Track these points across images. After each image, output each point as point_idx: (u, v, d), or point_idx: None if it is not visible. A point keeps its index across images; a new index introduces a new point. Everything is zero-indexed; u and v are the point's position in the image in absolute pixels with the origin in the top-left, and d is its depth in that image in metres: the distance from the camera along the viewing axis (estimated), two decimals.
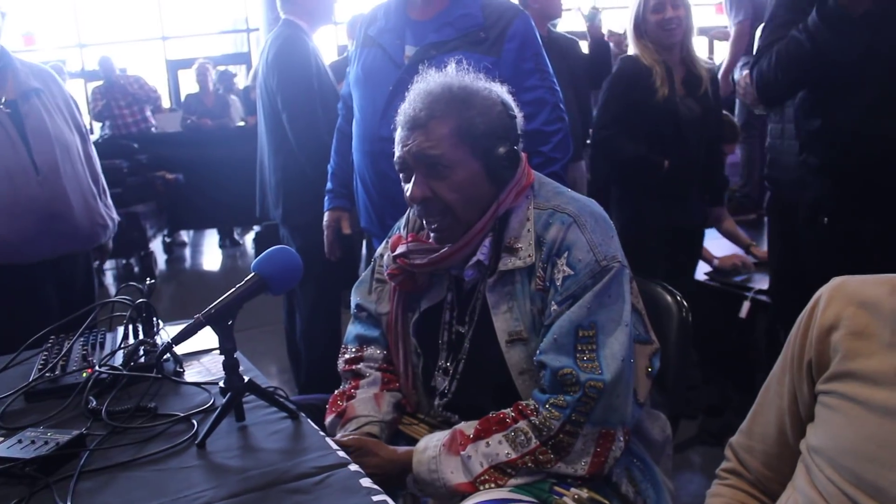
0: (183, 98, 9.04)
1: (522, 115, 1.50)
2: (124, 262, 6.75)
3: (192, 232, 8.04)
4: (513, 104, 1.48)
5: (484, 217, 1.43)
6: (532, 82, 2.12)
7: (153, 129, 7.85)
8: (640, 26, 2.80)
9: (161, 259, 7.06)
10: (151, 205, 6.46)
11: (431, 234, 1.47)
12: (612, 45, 4.31)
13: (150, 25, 12.17)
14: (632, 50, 2.87)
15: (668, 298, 1.69)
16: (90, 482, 1.16)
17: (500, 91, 1.47)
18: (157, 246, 6.82)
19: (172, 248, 7.66)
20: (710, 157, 2.91)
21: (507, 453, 1.33)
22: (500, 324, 1.43)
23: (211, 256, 7.60)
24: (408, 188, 1.44)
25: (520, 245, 1.42)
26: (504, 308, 1.43)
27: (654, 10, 2.76)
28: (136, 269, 6.43)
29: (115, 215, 2.77)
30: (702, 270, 3.19)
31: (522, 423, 1.35)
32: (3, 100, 2.38)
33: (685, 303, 1.68)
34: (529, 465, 1.33)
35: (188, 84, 10.00)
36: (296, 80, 2.88)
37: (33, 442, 1.23)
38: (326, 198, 2.55)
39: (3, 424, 1.39)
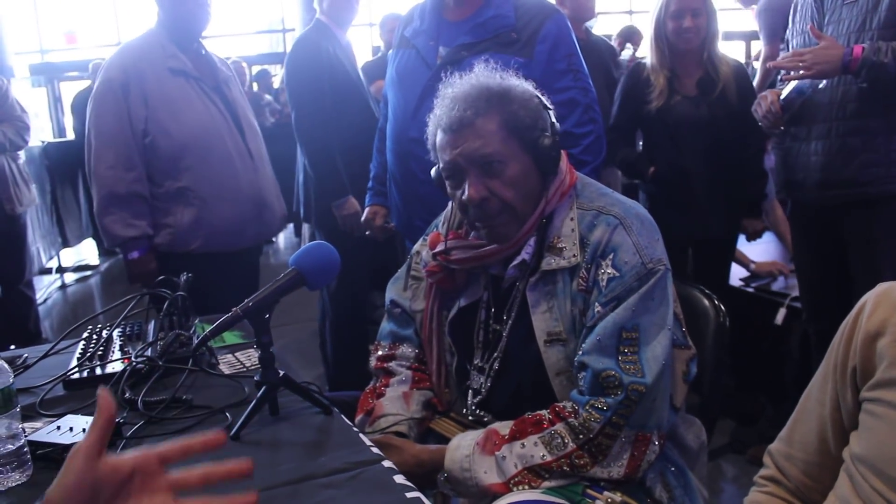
0: None
1: (556, 116, 1.50)
2: None
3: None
4: (545, 98, 1.47)
5: (534, 214, 1.42)
6: (564, 83, 2.11)
7: None
8: (659, 29, 2.80)
9: None
10: None
11: (483, 233, 1.46)
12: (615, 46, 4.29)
13: None
14: (647, 52, 2.91)
15: (706, 303, 1.67)
16: None
17: (530, 85, 1.47)
18: None
19: None
20: (737, 165, 2.84)
21: (543, 455, 1.32)
22: (539, 323, 1.42)
23: None
24: (461, 192, 1.42)
25: (564, 245, 1.41)
26: (544, 307, 1.42)
27: (674, 16, 2.76)
28: None
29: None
30: (737, 276, 3.14)
31: (560, 426, 1.33)
32: (211, 85, 2.42)
33: (723, 307, 1.66)
34: (565, 468, 1.32)
35: None
36: (302, 80, 2.95)
37: (71, 429, 1.26)
38: (367, 195, 2.57)
39: (42, 411, 1.42)
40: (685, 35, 2.74)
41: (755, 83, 4.49)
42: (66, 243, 6.74)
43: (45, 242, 6.12)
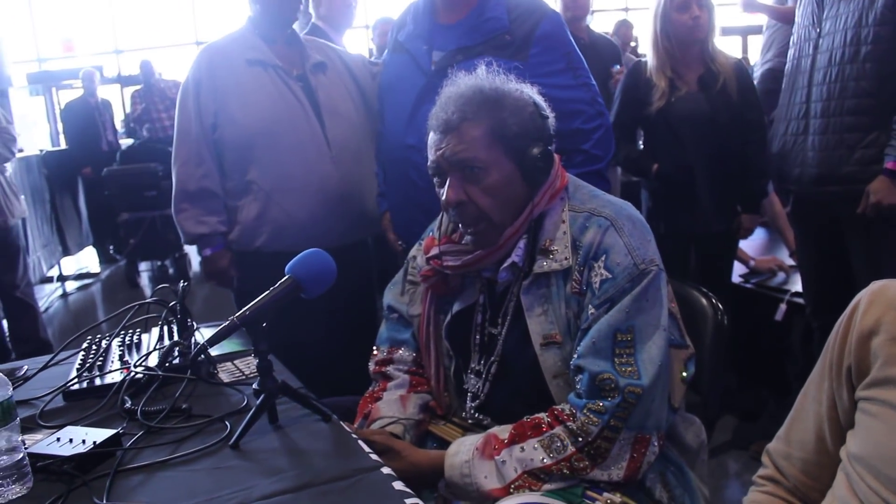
0: None
1: (558, 116, 1.49)
2: (159, 263, 6.84)
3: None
4: (545, 105, 1.47)
5: (518, 219, 1.42)
6: (565, 81, 2.09)
7: None
8: (662, 25, 2.79)
9: (195, 261, 7.13)
10: None
11: (467, 237, 1.47)
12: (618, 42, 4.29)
13: (184, 31, 12.34)
14: (648, 53, 2.90)
15: (704, 301, 1.67)
16: (126, 481, 1.18)
17: (532, 92, 1.47)
18: (191, 248, 6.88)
19: None
20: (739, 161, 2.84)
21: (543, 459, 1.32)
22: (535, 326, 1.42)
23: None
24: (442, 192, 1.44)
25: (555, 248, 1.41)
26: (539, 310, 1.42)
27: (679, 9, 2.75)
28: (170, 271, 6.51)
29: None
30: (737, 272, 3.14)
31: (559, 429, 1.34)
32: (293, 73, 2.34)
33: (721, 306, 1.66)
34: (564, 471, 1.32)
35: None
36: None
37: (71, 440, 1.26)
38: (377, 202, 2.49)
39: (42, 422, 1.42)
40: (694, 25, 2.74)
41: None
42: (66, 252, 6.75)
43: (45, 251, 6.13)
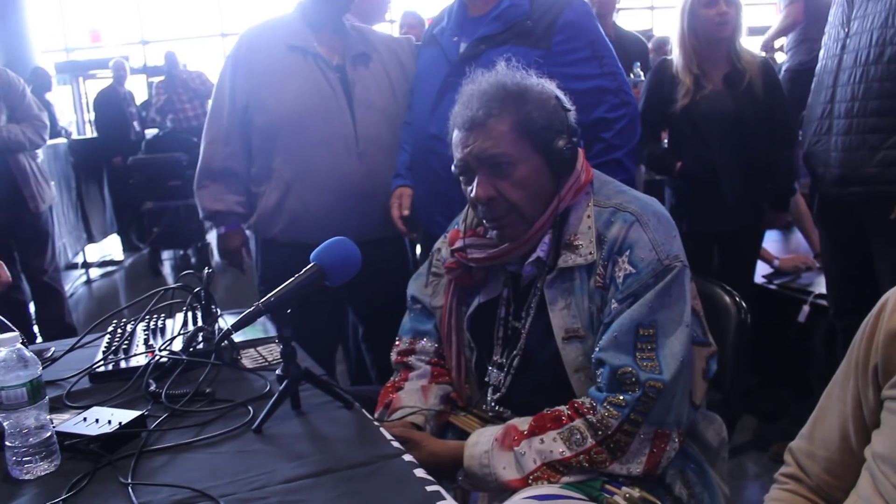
0: None
1: (582, 106, 1.49)
2: (182, 252, 6.89)
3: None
4: (566, 98, 1.47)
5: (545, 214, 1.42)
6: (590, 70, 2.08)
7: None
8: (688, 22, 2.77)
9: (217, 251, 7.19)
10: None
11: (493, 232, 1.47)
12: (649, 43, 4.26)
13: (210, 22, 12.42)
14: (674, 50, 2.88)
15: (727, 299, 1.66)
16: (150, 461, 1.20)
17: (552, 86, 1.47)
18: (213, 237, 6.93)
19: None
20: (764, 160, 2.82)
21: (562, 451, 1.33)
22: (558, 320, 1.43)
23: None
24: (470, 189, 1.44)
25: (580, 242, 1.41)
26: (562, 304, 1.42)
27: (706, 5, 2.73)
28: (192, 260, 6.56)
29: None
30: (760, 272, 3.12)
31: (578, 422, 1.34)
32: (333, 63, 2.32)
33: (744, 304, 1.65)
34: (584, 463, 1.32)
35: None
36: None
37: (97, 420, 1.28)
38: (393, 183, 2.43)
39: (69, 403, 1.44)
40: (721, 21, 2.71)
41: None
42: (91, 239, 6.83)
43: (70, 238, 6.20)
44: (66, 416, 1.33)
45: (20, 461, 1.17)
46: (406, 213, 2.26)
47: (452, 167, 1.47)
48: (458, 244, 1.53)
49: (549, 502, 1.28)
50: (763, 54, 3.10)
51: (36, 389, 1.17)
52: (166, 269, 6.63)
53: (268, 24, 2.38)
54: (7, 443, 1.17)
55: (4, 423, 1.18)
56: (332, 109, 2.26)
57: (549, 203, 1.43)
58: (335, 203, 2.27)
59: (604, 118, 2.08)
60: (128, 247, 7.52)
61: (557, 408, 1.38)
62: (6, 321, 1.48)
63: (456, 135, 1.45)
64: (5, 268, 1.64)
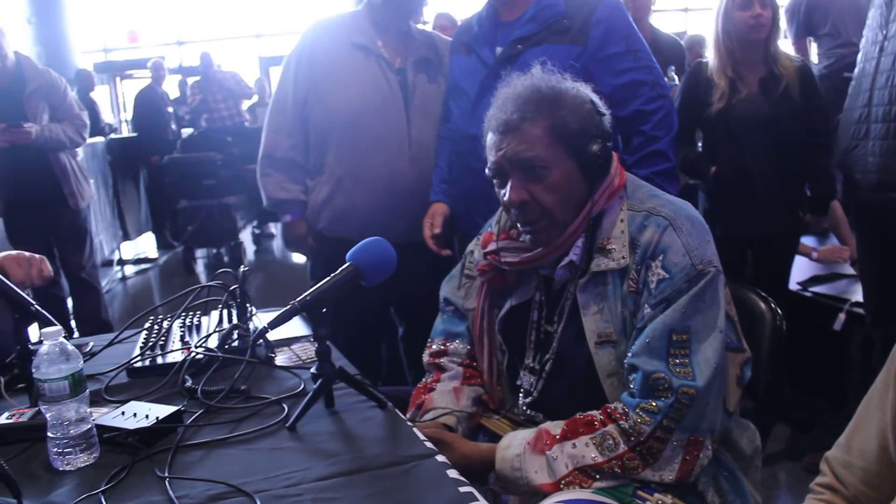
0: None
1: (618, 100, 1.48)
2: (214, 251, 6.96)
3: (280, 224, 8.20)
4: (601, 102, 1.47)
5: (578, 218, 1.42)
6: (625, 65, 2.08)
7: (246, 123, 8.08)
8: (724, 24, 2.75)
9: (250, 250, 7.27)
10: (242, 197, 6.65)
11: (526, 237, 1.47)
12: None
13: (244, 24, 12.56)
14: (709, 53, 2.86)
15: (762, 305, 1.64)
16: (186, 456, 1.21)
17: (587, 90, 1.47)
18: (246, 237, 7.02)
19: (261, 240, 7.86)
20: (801, 164, 2.78)
21: (594, 456, 1.32)
22: (590, 324, 1.42)
23: None
24: (504, 192, 1.44)
25: (613, 246, 1.41)
26: (594, 309, 1.42)
27: (741, 7, 2.71)
28: (225, 259, 6.63)
29: None
30: (795, 279, 3.08)
31: (611, 427, 1.33)
32: (395, 65, 2.35)
33: (780, 311, 1.63)
34: (616, 469, 1.31)
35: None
36: None
37: (135, 414, 1.30)
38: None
39: (107, 397, 1.47)
40: (755, 24, 2.69)
41: None
42: (126, 236, 6.94)
43: (106, 235, 6.30)
44: (104, 409, 1.35)
45: (61, 452, 1.19)
46: (437, 231, 2.29)
47: (486, 170, 1.48)
48: (491, 247, 1.53)
49: None
50: (800, 57, 3.05)
51: (77, 383, 1.20)
52: (199, 267, 6.71)
53: (334, 20, 2.42)
54: (49, 434, 1.20)
55: (47, 415, 1.20)
56: (389, 111, 2.29)
57: (581, 207, 1.43)
58: (383, 204, 2.31)
59: (641, 111, 2.08)
60: (162, 245, 7.62)
61: (590, 413, 1.38)
62: (49, 316, 1.51)
63: (490, 137, 1.45)
64: (48, 262, 1.68)
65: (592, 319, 1.42)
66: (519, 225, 1.47)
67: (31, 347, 1.51)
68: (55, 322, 1.42)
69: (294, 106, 2.36)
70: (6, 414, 1.35)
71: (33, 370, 1.20)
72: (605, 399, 1.41)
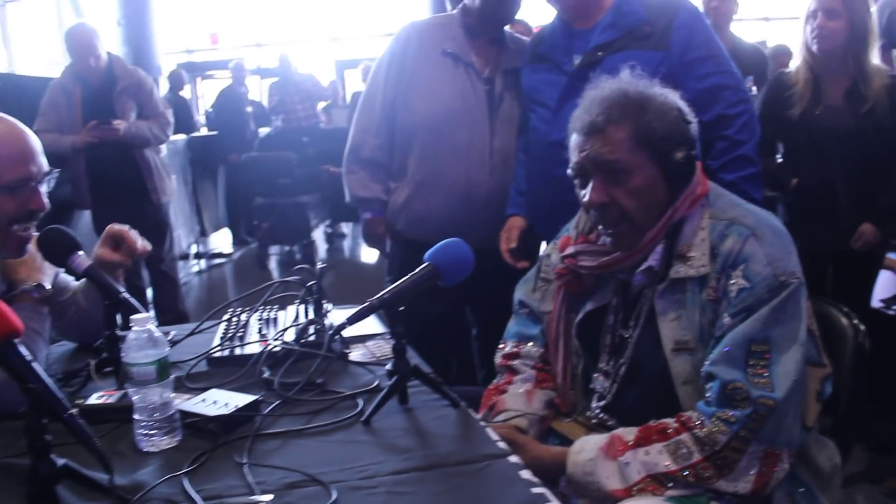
0: (349, 97, 9.46)
1: (701, 105, 1.47)
2: (287, 249, 7.11)
3: (352, 224, 8.32)
4: (688, 110, 1.45)
5: (658, 223, 1.41)
6: (707, 69, 2.06)
7: (321, 124, 8.23)
8: (804, 34, 2.70)
9: (322, 248, 7.39)
10: (316, 196, 6.78)
11: (606, 239, 1.47)
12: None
13: (320, 27, 12.80)
14: (794, 62, 2.80)
15: (844, 321, 1.59)
16: (263, 444, 1.25)
17: (675, 97, 1.46)
18: (318, 235, 7.14)
19: (333, 239, 7.99)
20: (887, 180, 2.68)
21: (667, 464, 1.31)
22: (667, 331, 1.41)
23: (367, 249, 7.85)
24: (584, 194, 1.44)
25: (693, 254, 1.39)
26: (672, 316, 1.41)
27: (809, 17, 2.66)
28: (297, 257, 6.76)
29: None
30: (878, 296, 2.98)
31: (685, 436, 1.31)
32: (484, 74, 2.35)
33: (862, 327, 1.58)
34: (689, 478, 1.30)
35: (355, 83, 10.41)
36: None
37: (215, 402, 1.35)
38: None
39: (188, 384, 1.52)
40: (819, 35, 2.63)
41: None
42: (203, 232, 7.14)
43: (184, 230, 6.49)
44: (185, 396, 1.40)
45: (147, 434, 1.24)
46: (513, 245, 2.29)
47: (568, 170, 1.48)
48: (569, 250, 1.53)
49: None
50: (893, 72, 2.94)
51: (163, 368, 1.25)
52: (272, 263, 6.85)
53: (428, 23, 2.46)
54: (135, 416, 1.25)
55: (134, 398, 1.25)
56: (473, 120, 2.31)
57: (662, 213, 1.41)
58: (459, 212, 2.32)
59: (723, 115, 2.04)
60: (237, 241, 7.82)
61: (664, 420, 1.36)
62: (136, 303, 1.57)
63: (574, 138, 1.46)
64: (134, 235, 1.75)
65: (670, 326, 1.41)
66: (600, 226, 1.47)
67: (119, 333, 1.57)
68: (142, 309, 1.49)
69: (382, 107, 2.40)
70: (96, 395, 1.41)
71: (122, 354, 1.26)
72: (679, 407, 1.40)
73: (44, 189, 1.53)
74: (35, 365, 1.05)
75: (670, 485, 1.30)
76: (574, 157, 1.45)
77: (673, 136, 1.40)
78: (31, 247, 1.58)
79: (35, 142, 1.51)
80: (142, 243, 1.72)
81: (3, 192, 1.45)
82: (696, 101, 1.49)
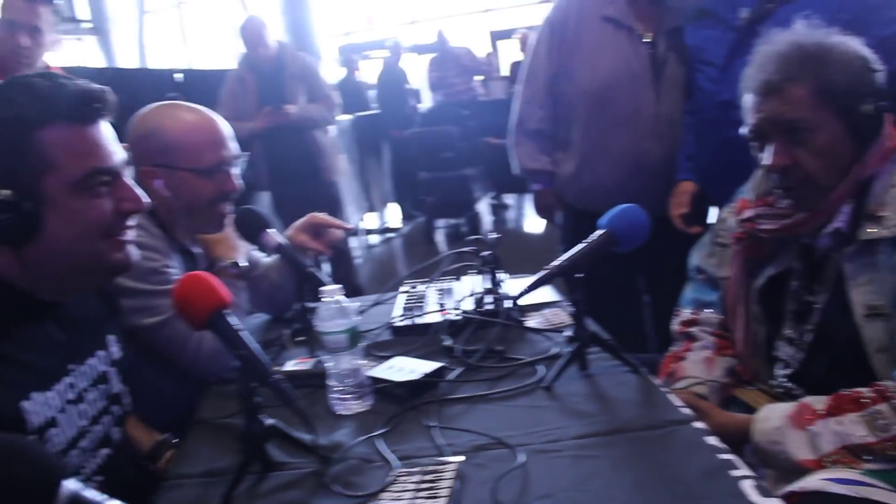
0: (505, 67, 9.44)
1: (887, 53, 1.36)
2: (453, 221, 7.23)
3: (515, 195, 8.35)
4: (873, 57, 1.35)
5: (844, 182, 1.33)
6: (893, 13, 1.89)
7: (480, 97, 8.27)
8: None
9: (487, 220, 7.46)
10: (479, 168, 6.84)
11: (787, 201, 1.40)
12: None
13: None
14: None
15: None
16: (449, 409, 1.30)
17: (857, 44, 1.35)
18: (482, 207, 7.20)
19: (497, 210, 8.04)
20: None
21: (863, 435, 1.23)
22: (858, 296, 1.32)
23: (532, 219, 7.83)
24: (765, 157, 1.38)
25: (886, 213, 1.30)
26: (863, 280, 1.32)
27: None
28: (463, 229, 6.86)
29: None
30: None
31: (883, 406, 1.23)
32: (646, 37, 2.28)
33: None
34: (889, 451, 1.22)
35: (510, 53, 10.36)
36: None
37: (401, 369, 1.41)
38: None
39: (374, 352, 1.60)
40: None
41: None
42: (371, 208, 7.40)
43: (354, 206, 6.76)
44: (373, 363, 1.48)
45: (341, 399, 1.32)
46: (685, 210, 2.23)
47: (744, 130, 1.42)
48: (748, 214, 1.47)
49: (851, 487, 1.20)
50: None
51: (354, 337, 1.32)
52: (439, 236, 7.00)
53: None
54: (330, 382, 1.33)
55: (327, 364, 1.34)
56: (637, 87, 2.26)
57: (848, 171, 1.33)
58: (629, 181, 2.29)
59: None
60: (405, 215, 8.04)
61: (857, 389, 1.29)
62: (321, 276, 1.66)
63: (749, 98, 1.39)
64: (337, 233, 1.85)
65: (860, 291, 1.32)
66: (779, 190, 1.40)
67: (308, 305, 1.68)
68: (327, 282, 1.57)
69: (545, 78, 2.40)
70: (291, 362, 1.52)
71: (316, 324, 1.34)
72: (874, 376, 1.31)
73: (235, 171, 1.65)
74: (244, 333, 1.14)
75: (868, 458, 1.23)
76: (750, 118, 1.39)
77: (858, 87, 1.31)
78: (227, 226, 1.71)
79: (227, 127, 1.64)
80: (340, 232, 1.83)
81: (203, 176, 1.58)
82: (883, 47, 1.36)
